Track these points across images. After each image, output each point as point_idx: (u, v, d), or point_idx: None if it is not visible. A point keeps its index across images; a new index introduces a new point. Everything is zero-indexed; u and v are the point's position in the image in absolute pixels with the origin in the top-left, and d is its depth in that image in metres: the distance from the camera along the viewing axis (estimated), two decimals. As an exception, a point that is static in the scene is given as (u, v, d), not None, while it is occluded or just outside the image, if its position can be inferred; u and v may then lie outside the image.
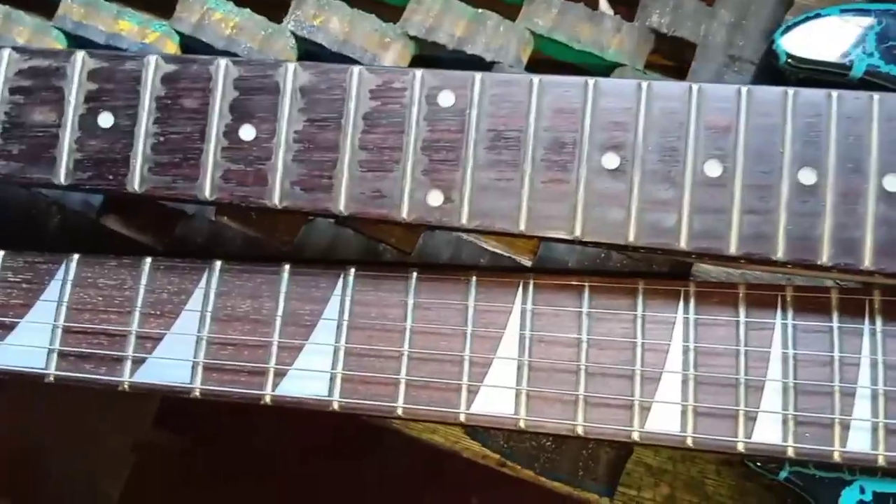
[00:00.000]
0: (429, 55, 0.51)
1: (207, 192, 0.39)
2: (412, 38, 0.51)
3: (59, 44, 0.52)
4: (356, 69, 0.39)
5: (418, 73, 0.39)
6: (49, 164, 0.40)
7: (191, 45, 0.51)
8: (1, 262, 0.42)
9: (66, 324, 0.41)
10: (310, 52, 0.51)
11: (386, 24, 0.51)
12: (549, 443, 0.46)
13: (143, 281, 0.41)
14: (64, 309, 0.41)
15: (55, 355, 0.40)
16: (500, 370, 0.39)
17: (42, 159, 0.40)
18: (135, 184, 0.39)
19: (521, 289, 0.40)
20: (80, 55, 0.40)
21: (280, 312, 0.40)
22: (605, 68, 0.50)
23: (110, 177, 0.39)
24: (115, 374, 0.40)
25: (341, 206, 0.38)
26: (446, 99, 0.38)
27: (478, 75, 0.38)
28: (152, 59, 0.40)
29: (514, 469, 0.46)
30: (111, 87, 0.40)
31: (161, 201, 0.45)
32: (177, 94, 0.39)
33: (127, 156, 0.39)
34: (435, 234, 0.48)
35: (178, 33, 0.51)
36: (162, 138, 0.39)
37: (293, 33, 0.51)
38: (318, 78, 0.39)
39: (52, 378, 0.41)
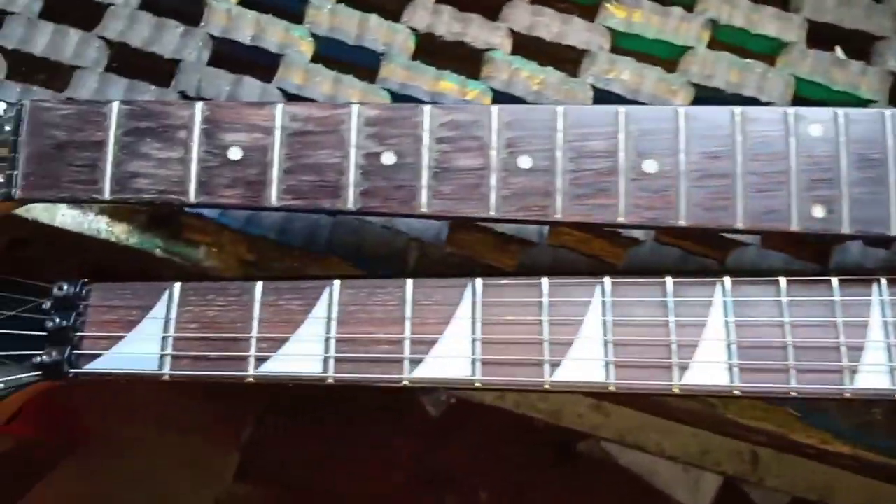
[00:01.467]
0: (703, 97, 0.60)
1: (623, 218, 0.46)
2: (693, 84, 0.60)
3: (386, 100, 0.59)
4: (738, 109, 0.47)
5: (791, 110, 0.47)
6: (479, 200, 0.47)
7: (500, 99, 0.59)
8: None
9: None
10: (602, 100, 0.59)
11: (669, 74, 0.59)
12: (880, 417, 0.53)
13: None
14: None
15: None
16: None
17: (472, 196, 0.47)
18: (558, 215, 0.46)
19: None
20: (495, 109, 0.47)
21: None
22: (857, 105, 0.59)
23: (535, 209, 0.47)
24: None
25: (740, 222, 0.46)
26: (816, 130, 0.47)
27: (840, 110, 0.47)
28: (560, 109, 0.47)
29: (831, 444, 0.54)
30: (526, 134, 0.47)
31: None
32: (586, 138, 0.47)
33: (549, 191, 0.47)
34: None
35: (492, 90, 0.59)
36: (577, 174, 0.47)
37: (592, 85, 0.59)
38: (705, 119, 0.47)
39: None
